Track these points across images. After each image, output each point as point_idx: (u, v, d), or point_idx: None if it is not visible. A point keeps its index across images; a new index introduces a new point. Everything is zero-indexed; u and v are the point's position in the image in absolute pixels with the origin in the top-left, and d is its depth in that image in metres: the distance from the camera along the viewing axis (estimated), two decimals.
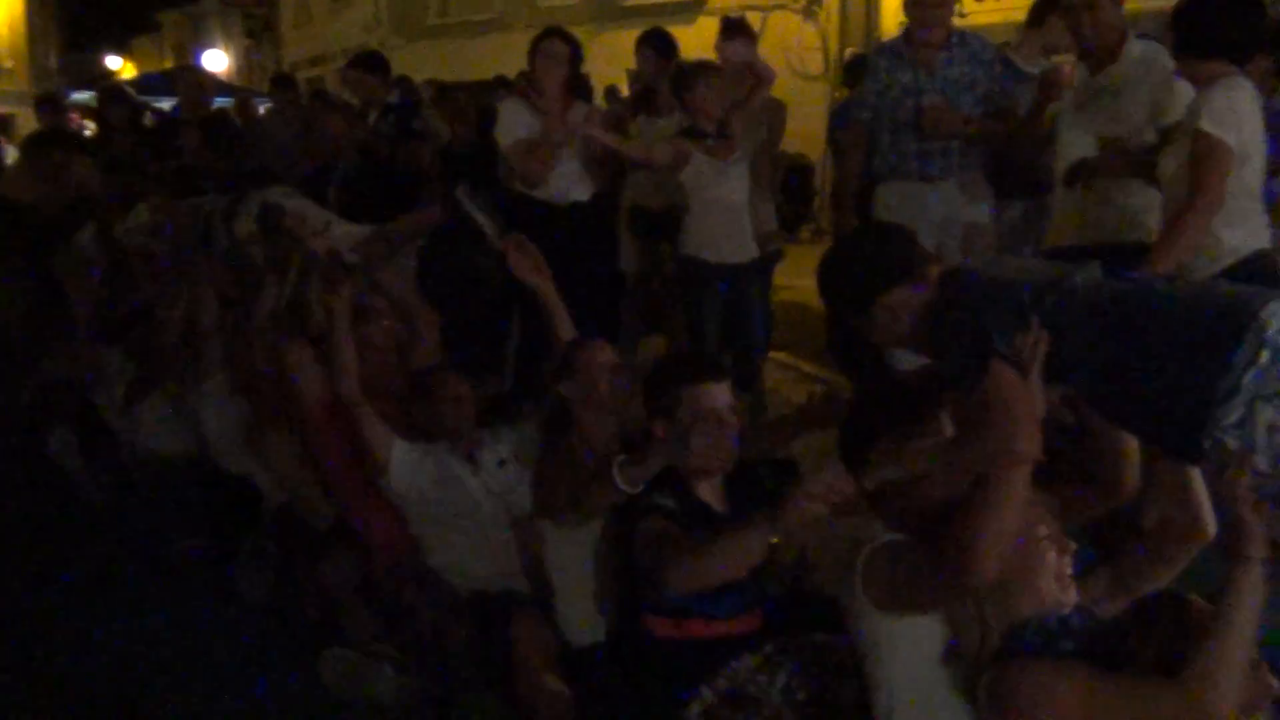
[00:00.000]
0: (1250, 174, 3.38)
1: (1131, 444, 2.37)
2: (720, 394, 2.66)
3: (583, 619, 2.99)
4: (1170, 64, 3.74)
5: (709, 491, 2.69)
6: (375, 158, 5.58)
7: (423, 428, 3.35)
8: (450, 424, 3.32)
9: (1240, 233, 3.38)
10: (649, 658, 2.64)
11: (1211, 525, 2.33)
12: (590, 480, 2.75)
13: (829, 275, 2.46)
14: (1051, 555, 2.11)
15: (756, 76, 4.95)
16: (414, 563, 3.32)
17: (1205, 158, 3.23)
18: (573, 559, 2.99)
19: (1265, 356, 1.99)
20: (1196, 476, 2.35)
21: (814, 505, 2.26)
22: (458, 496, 3.24)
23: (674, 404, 2.64)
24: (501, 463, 3.33)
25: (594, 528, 2.91)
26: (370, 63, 6.05)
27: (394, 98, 6.03)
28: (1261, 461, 2.00)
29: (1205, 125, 3.22)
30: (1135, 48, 3.88)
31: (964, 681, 2.10)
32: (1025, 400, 2.07)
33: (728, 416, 2.67)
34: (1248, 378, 1.99)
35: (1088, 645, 2.05)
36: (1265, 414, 2.00)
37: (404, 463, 3.25)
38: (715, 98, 4.74)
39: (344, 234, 4.21)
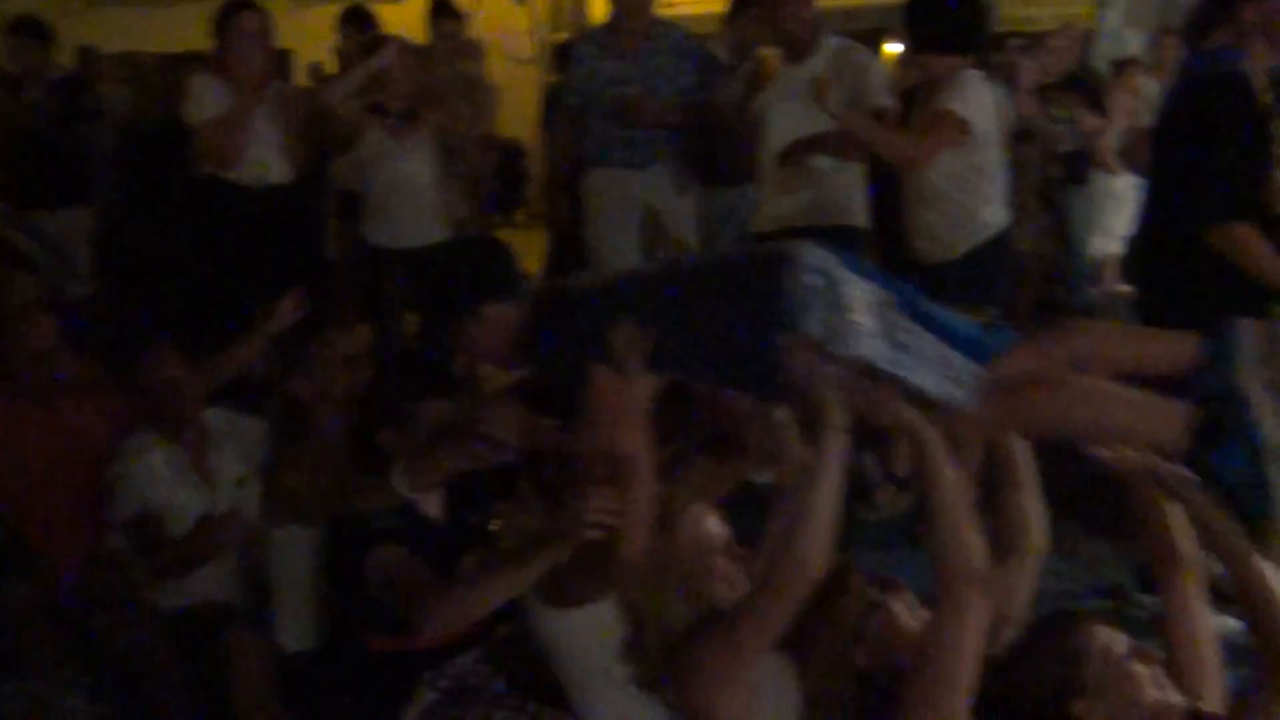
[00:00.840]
0: (993, 159, 3.78)
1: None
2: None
3: (301, 626, 2.88)
4: (862, 56, 4.11)
5: (430, 502, 2.60)
6: (36, 137, 5.07)
7: (141, 414, 3.08)
8: (167, 409, 3.05)
9: (993, 208, 3.79)
10: (368, 671, 2.53)
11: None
12: (355, 479, 2.61)
13: (429, 285, 2.48)
14: (721, 561, 2.16)
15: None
16: (105, 581, 3.06)
17: (942, 126, 3.58)
18: (297, 565, 2.86)
19: (823, 283, 2.08)
20: (782, 422, 2.35)
21: (605, 521, 2.12)
22: (177, 515, 2.99)
23: (406, 418, 2.55)
24: (241, 481, 3.11)
25: (317, 532, 2.78)
26: (27, 29, 5.46)
27: (61, 71, 5.47)
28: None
29: (955, 106, 3.55)
30: (830, 41, 4.16)
31: (647, 674, 2.11)
32: (626, 399, 2.14)
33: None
34: (830, 315, 2.07)
35: None
36: (865, 321, 2.08)
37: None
38: (405, 76, 4.54)
39: None
